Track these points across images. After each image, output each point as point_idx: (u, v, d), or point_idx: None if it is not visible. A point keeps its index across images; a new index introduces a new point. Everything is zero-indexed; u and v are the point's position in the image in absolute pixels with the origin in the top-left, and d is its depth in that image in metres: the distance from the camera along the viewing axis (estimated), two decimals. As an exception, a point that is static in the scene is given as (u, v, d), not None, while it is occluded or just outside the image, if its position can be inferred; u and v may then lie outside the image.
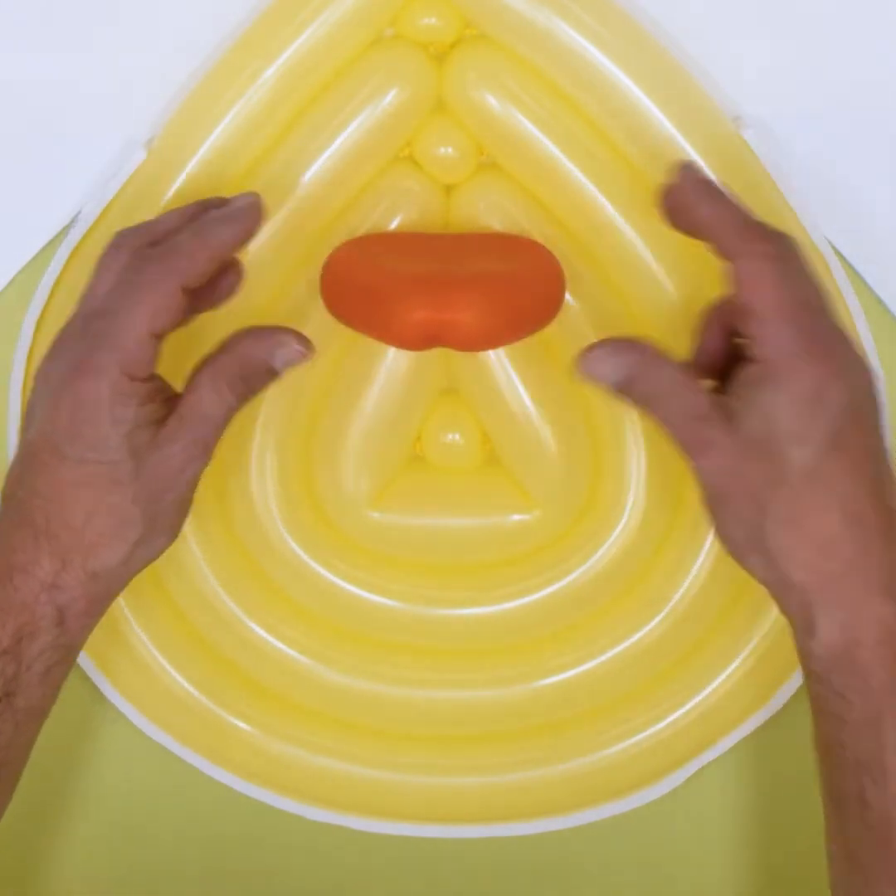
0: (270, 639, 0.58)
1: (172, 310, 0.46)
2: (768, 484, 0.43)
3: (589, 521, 0.57)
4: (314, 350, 0.49)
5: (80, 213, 0.56)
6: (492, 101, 0.53)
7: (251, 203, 0.49)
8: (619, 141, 0.54)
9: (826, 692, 0.44)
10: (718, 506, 0.44)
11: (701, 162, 0.53)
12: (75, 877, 0.62)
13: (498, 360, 0.56)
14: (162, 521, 0.48)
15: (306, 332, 0.55)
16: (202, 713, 0.58)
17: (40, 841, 0.61)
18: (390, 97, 0.54)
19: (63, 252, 0.55)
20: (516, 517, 0.57)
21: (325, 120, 0.54)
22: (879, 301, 0.57)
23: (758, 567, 0.45)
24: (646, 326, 0.56)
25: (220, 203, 0.50)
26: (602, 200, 0.54)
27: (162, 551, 0.49)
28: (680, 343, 0.55)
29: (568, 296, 0.54)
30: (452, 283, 0.49)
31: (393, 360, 0.56)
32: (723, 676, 0.57)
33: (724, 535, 0.45)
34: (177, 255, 0.46)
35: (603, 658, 0.58)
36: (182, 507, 0.48)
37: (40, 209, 0.57)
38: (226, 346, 0.48)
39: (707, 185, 0.46)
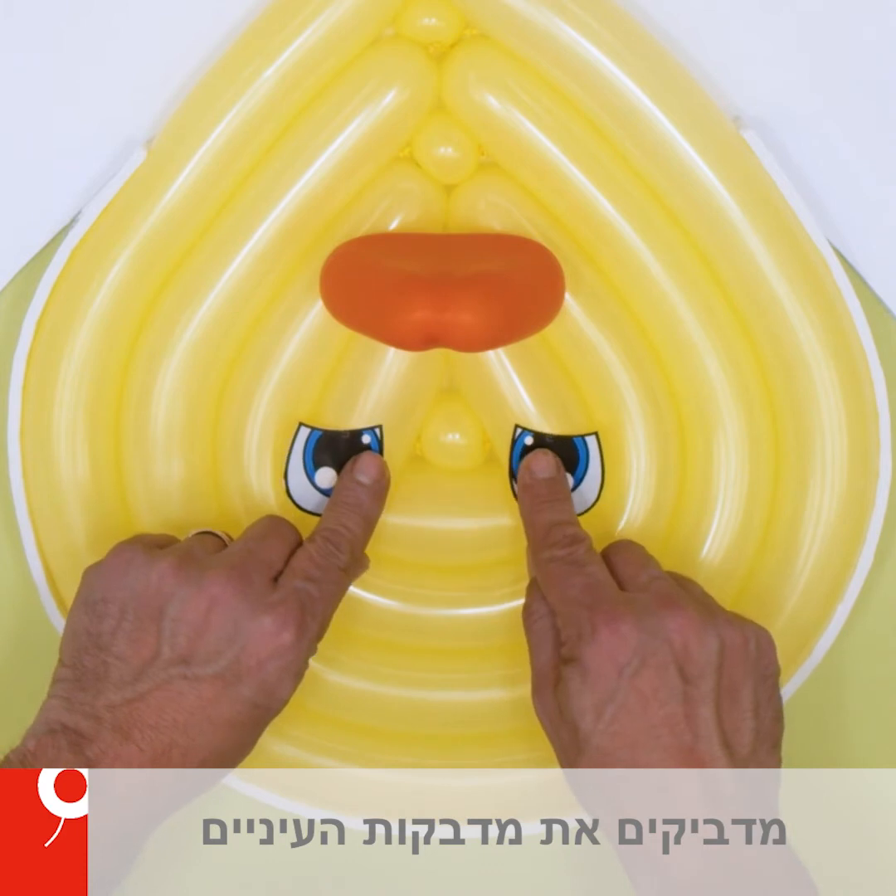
0: (270, 639, 0.58)
1: (341, 597, 0.53)
2: (571, 747, 0.49)
3: (588, 522, 0.57)
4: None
5: (80, 213, 0.56)
6: (492, 101, 0.53)
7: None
8: (619, 141, 0.54)
9: None
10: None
11: (701, 162, 0.53)
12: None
13: (498, 360, 0.56)
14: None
15: (306, 332, 0.56)
16: (202, 713, 0.58)
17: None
18: (390, 97, 0.53)
19: (63, 252, 0.55)
20: (516, 517, 0.57)
21: (325, 120, 0.54)
22: (879, 301, 0.57)
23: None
24: (645, 326, 0.56)
25: None
26: (602, 200, 0.54)
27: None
28: (680, 343, 0.55)
29: (568, 296, 0.54)
30: (452, 284, 0.49)
31: (393, 360, 0.56)
32: (723, 676, 0.57)
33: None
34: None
35: (603, 658, 0.58)
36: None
37: (40, 209, 0.57)
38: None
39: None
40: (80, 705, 0.47)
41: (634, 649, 0.47)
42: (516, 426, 0.56)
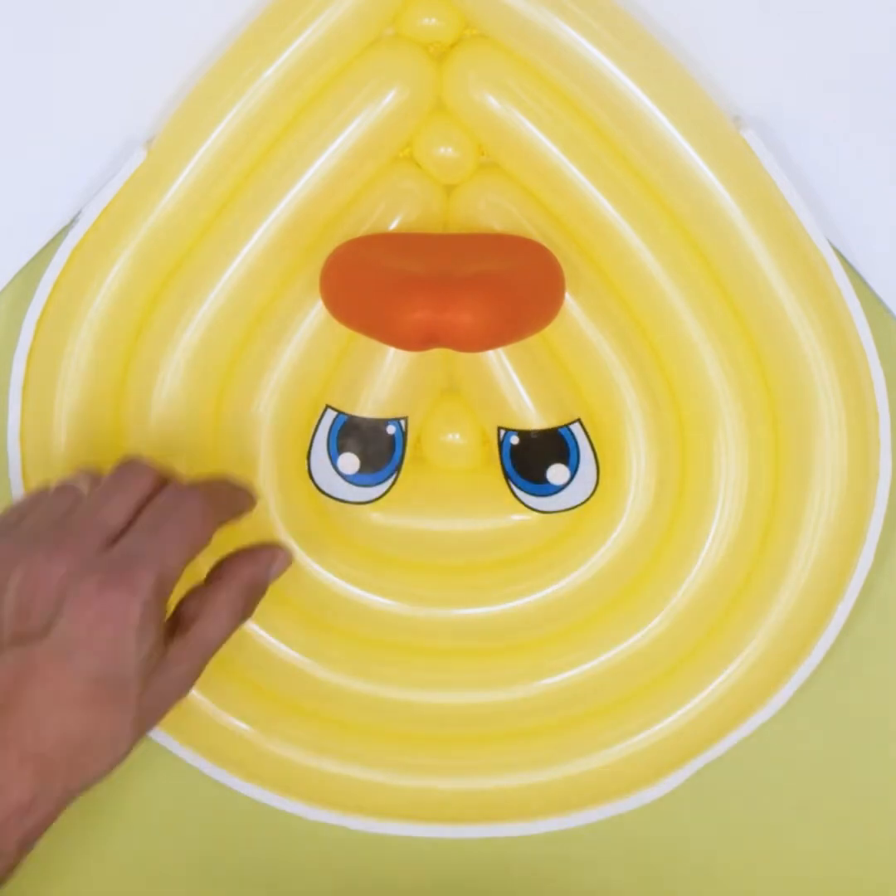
0: (270, 639, 0.58)
1: (207, 542, 0.48)
2: None
3: (589, 521, 0.57)
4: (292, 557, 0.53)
5: (80, 213, 0.56)
6: (492, 101, 0.53)
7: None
8: (619, 141, 0.54)
9: None
10: None
11: (700, 162, 0.53)
12: (74, 875, 0.62)
13: (498, 360, 0.56)
14: (144, 735, 0.48)
15: (305, 332, 0.56)
16: (202, 713, 0.58)
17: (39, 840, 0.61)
18: (390, 97, 0.53)
19: (63, 252, 0.55)
20: (516, 517, 0.57)
21: (326, 120, 0.54)
22: (879, 301, 0.57)
23: None
24: (645, 326, 0.56)
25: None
26: (602, 200, 0.54)
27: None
28: (680, 343, 0.55)
29: (568, 296, 0.54)
30: (452, 284, 0.49)
31: (393, 360, 0.56)
32: (723, 676, 0.57)
33: None
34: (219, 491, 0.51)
35: (603, 658, 0.58)
36: (154, 727, 0.49)
37: (40, 209, 0.57)
38: (223, 573, 0.50)
39: None
40: None
41: None
42: (499, 428, 0.56)
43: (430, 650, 0.59)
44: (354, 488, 0.56)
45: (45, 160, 0.56)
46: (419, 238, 0.54)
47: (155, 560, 0.46)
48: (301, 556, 0.57)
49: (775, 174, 0.54)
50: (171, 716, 0.57)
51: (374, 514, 0.57)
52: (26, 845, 0.46)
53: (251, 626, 0.57)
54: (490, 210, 0.55)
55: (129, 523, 0.48)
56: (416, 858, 0.61)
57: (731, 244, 0.54)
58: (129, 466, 0.50)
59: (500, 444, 0.57)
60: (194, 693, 0.57)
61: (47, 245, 0.57)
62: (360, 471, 0.56)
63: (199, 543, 0.48)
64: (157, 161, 0.54)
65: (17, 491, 0.57)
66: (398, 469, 0.56)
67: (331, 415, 0.56)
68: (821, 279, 0.54)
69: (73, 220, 0.56)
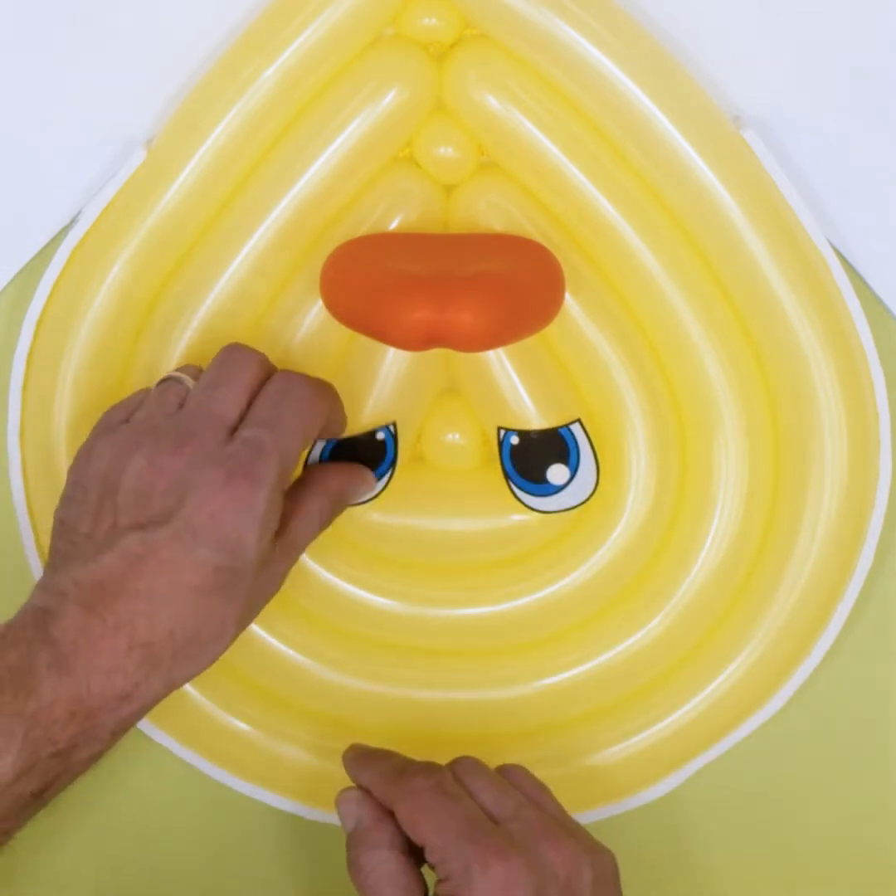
0: (270, 638, 0.58)
1: (317, 431, 0.49)
2: None
3: (589, 521, 0.57)
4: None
5: (80, 213, 0.56)
6: (492, 101, 0.53)
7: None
8: (619, 141, 0.54)
9: None
10: None
11: (700, 162, 0.53)
12: (75, 875, 0.62)
13: (498, 360, 0.56)
14: (240, 633, 0.48)
15: (306, 332, 0.56)
16: (202, 713, 0.58)
17: (39, 840, 0.61)
18: (390, 97, 0.53)
19: (63, 252, 0.55)
20: (516, 517, 0.57)
21: (326, 120, 0.54)
22: (879, 301, 0.57)
23: None
24: (645, 326, 0.56)
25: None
26: (602, 200, 0.54)
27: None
28: (680, 343, 0.55)
29: (568, 296, 0.54)
30: (452, 284, 0.49)
31: (393, 360, 0.56)
32: (723, 676, 0.57)
33: None
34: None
35: (603, 658, 0.58)
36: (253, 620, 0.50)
37: (40, 209, 0.57)
38: (312, 480, 0.51)
39: (355, 757, 0.53)
40: (50, 586, 0.46)
41: (527, 886, 0.46)
42: (499, 428, 0.56)
43: (430, 650, 0.59)
44: None
45: (45, 160, 0.56)
46: (419, 238, 0.54)
47: (276, 450, 0.46)
48: (301, 556, 0.57)
49: (775, 174, 0.54)
50: (172, 716, 0.58)
51: (373, 514, 0.57)
52: (118, 734, 0.46)
53: (251, 625, 0.57)
54: (490, 210, 0.55)
55: (243, 415, 0.48)
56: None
57: (731, 244, 0.54)
58: (233, 355, 0.50)
59: (500, 443, 0.57)
60: (194, 693, 0.58)
61: (47, 245, 0.57)
62: None
63: (313, 432, 0.48)
64: (157, 161, 0.54)
65: (18, 491, 0.57)
66: (392, 467, 0.56)
67: (319, 444, 0.56)
68: (821, 279, 0.54)
69: (73, 220, 0.56)
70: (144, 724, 0.58)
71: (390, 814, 0.49)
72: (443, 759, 0.59)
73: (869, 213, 0.56)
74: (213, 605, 0.45)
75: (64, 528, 0.48)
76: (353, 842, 0.50)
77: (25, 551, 0.57)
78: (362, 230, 0.55)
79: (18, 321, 0.56)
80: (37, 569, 0.57)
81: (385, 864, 0.48)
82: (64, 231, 0.57)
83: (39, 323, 0.56)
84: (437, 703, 0.58)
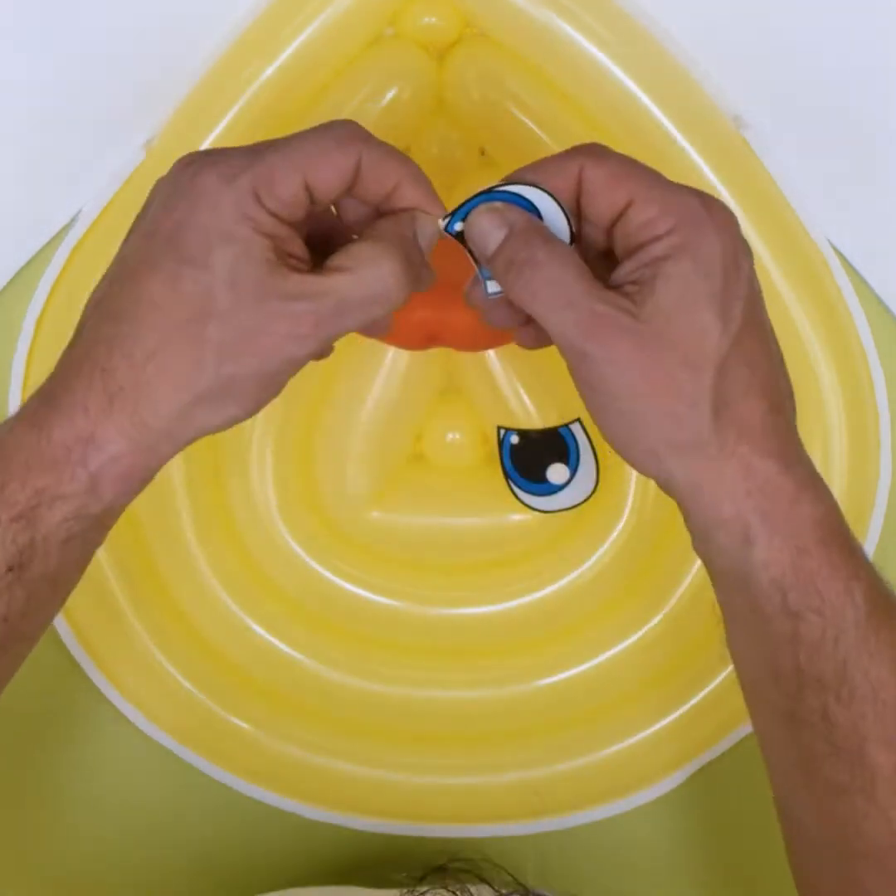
0: (270, 639, 0.58)
1: (336, 179, 0.39)
2: (694, 364, 0.38)
3: (589, 521, 0.57)
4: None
5: (80, 212, 0.56)
6: (492, 100, 0.53)
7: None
8: (619, 140, 0.54)
9: (774, 611, 0.39)
10: (623, 405, 0.39)
11: (701, 161, 0.53)
12: (75, 875, 0.62)
13: (498, 359, 0.56)
14: (238, 387, 0.39)
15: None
16: (202, 713, 0.58)
17: (40, 840, 0.61)
18: (390, 96, 0.54)
19: (63, 252, 0.55)
20: (516, 517, 0.57)
21: (326, 119, 0.54)
22: (879, 301, 0.57)
23: (676, 470, 0.39)
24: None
25: None
26: (602, 200, 0.54)
27: (227, 424, 0.40)
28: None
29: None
30: (452, 284, 0.49)
31: (393, 360, 0.56)
32: (722, 676, 0.57)
33: (626, 438, 0.40)
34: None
35: (603, 658, 0.58)
36: (266, 385, 0.40)
37: (40, 209, 0.57)
38: (364, 232, 0.40)
39: (522, 173, 0.42)
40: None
41: (739, 237, 0.39)
42: (499, 427, 0.56)
43: (430, 650, 0.59)
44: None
45: (46, 160, 0.56)
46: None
47: (263, 155, 0.39)
48: (301, 555, 0.57)
49: (775, 174, 0.54)
50: (172, 716, 0.58)
51: (374, 514, 0.57)
52: (96, 490, 0.39)
53: (251, 625, 0.57)
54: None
55: None
56: (416, 858, 0.61)
57: (731, 244, 0.54)
58: (348, 125, 0.41)
59: (500, 443, 0.56)
60: (194, 693, 0.57)
61: (47, 245, 0.57)
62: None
63: (329, 164, 0.39)
64: (157, 161, 0.54)
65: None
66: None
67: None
68: (821, 279, 0.54)
69: (73, 220, 0.56)
70: (144, 724, 0.58)
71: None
72: (443, 759, 0.59)
73: (869, 213, 0.56)
74: (175, 322, 0.38)
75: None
76: (516, 244, 0.40)
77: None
78: (362, 230, 0.55)
79: (18, 321, 0.56)
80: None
81: (567, 252, 0.39)
82: (64, 231, 0.56)
83: (39, 323, 0.56)
84: (437, 702, 0.58)
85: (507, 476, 0.57)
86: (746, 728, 0.58)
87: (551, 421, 0.56)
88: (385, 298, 0.39)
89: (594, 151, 0.41)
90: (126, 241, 0.40)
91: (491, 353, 0.55)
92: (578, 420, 0.56)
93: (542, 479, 0.56)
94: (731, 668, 0.57)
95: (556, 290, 0.38)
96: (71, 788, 0.61)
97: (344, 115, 0.53)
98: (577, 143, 0.53)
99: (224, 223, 0.37)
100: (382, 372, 0.56)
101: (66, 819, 0.61)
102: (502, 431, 0.56)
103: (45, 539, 0.39)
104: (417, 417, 0.58)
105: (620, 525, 0.57)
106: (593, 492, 0.56)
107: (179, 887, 0.62)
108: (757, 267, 0.54)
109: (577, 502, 0.57)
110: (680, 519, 0.57)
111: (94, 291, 0.40)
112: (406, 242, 0.40)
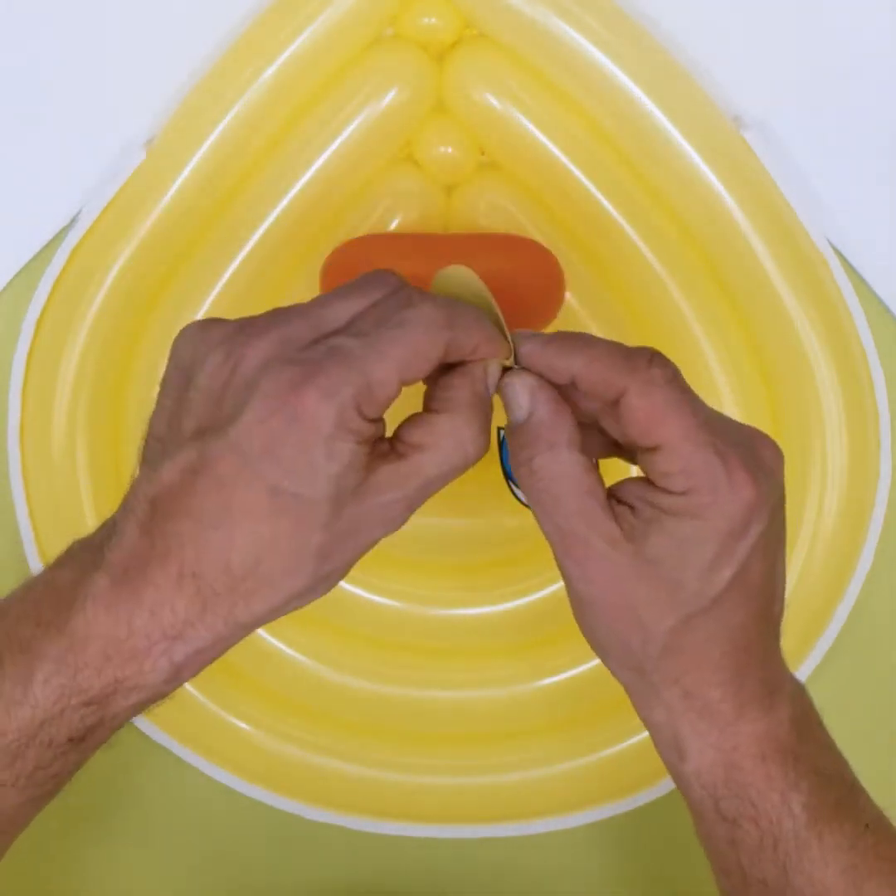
0: (271, 639, 0.58)
1: (428, 369, 0.39)
2: (658, 609, 0.39)
3: (589, 521, 0.57)
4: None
5: (80, 212, 0.56)
6: (492, 101, 0.53)
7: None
8: (619, 141, 0.54)
9: (710, 816, 0.41)
10: (591, 613, 0.41)
11: (701, 162, 0.53)
12: (75, 875, 0.62)
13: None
14: (332, 578, 0.39)
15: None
16: (203, 713, 0.58)
17: (40, 840, 0.61)
18: (390, 97, 0.53)
19: (63, 252, 0.55)
20: (516, 517, 0.57)
21: (326, 120, 0.54)
22: (879, 301, 0.57)
23: (623, 677, 0.42)
24: (646, 326, 0.56)
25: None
26: (602, 200, 0.54)
27: (310, 602, 0.40)
28: (680, 342, 0.55)
29: (568, 296, 0.54)
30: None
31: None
32: (723, 676, 0.57)
33: (593, 641, 0.42)
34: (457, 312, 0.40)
35: (603, 658, 0.58)
36: (351, 565, 0.40)
37: (40, 209, 0.57)
38: (436, 397, 0.41)
39: (561, 338, 0.41)
40: (126, 498, 0.40)
41: (766, 512, 0.39)
42: (499, 428, 0.56)
43: (430, 650, 0.59)
44: None
45: (45, 160, 0.56)
46: (419, 238, 0.54)
47: (361, 362, 0.37)
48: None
49: (775, 174, 0.54)
50: (172, 716, 0.58)
51: (374, 514, 0.57)
52: (177, 679, 0.39)
53: (251, 625, 0.57)
54: (490, 210, 0.55)
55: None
56: (416, 858, 0.61)
57: (731, 244, 0.54)
58: (374, 273, 0.41)
59: (500, 443, 0.56)
60: (194, 693, 0.58)
61: (47, 245, 0.57)
62: None
63: (423, 358, 0.38)
64: (157, 161, 0.54)
65: (18, 491, 0.56)
66: None
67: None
68: (821, 279, 0.54)
69: (73, 220, 0.56)
70: (144, 724, 0.58)
71: (567, 407, 0.41)
72: (443, 759, 0.59)
73: (869, 213, 0.56)
74: (275, 535, 0.37)
75: (148, 429, 0.41)
76: (525, 438, 0.41)
77: (26, 551, 0.57)
78: (362, 230, 0.55)
79: (18, 321, 0.56)
80: (37, 568, 0.57)
81: (565, 464, 0.40)
82: (64, 231, 0.56)
83: (39, 323, 0.56)
84: (437, 702, 0.58)
85: (506, 476, 0.57)
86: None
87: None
88: (466, 464, 0.41)
89: (647, 379, 0.39)
90: (180, 419, 0.39)
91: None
92: None
93: None
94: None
95: (563, 494, 0.41)
96: (70, 788, 0.60)
97: (344, 114, 0.53)
98: (576, 142, 0.54)
99: (327, 441, 0.37)
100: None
101: (64, 819, 0.61)
102: (502, 432, 0.56)
103: (113, 717, 0.39)
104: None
105: (620, 525, 0.57)
106: None
107: (179, 887, 0.62)
108: (756, 266, 0.54)
109: None
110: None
111: (155, 472, 0.38)
112: (482, 402, 0.41)
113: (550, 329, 0.53)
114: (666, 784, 0.59)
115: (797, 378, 0.55)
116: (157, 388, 0.56)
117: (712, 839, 0.42)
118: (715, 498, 0.38)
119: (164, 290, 0.55)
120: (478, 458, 0.41)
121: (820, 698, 0.59)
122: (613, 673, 0.43)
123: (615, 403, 0.40)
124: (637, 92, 0.53)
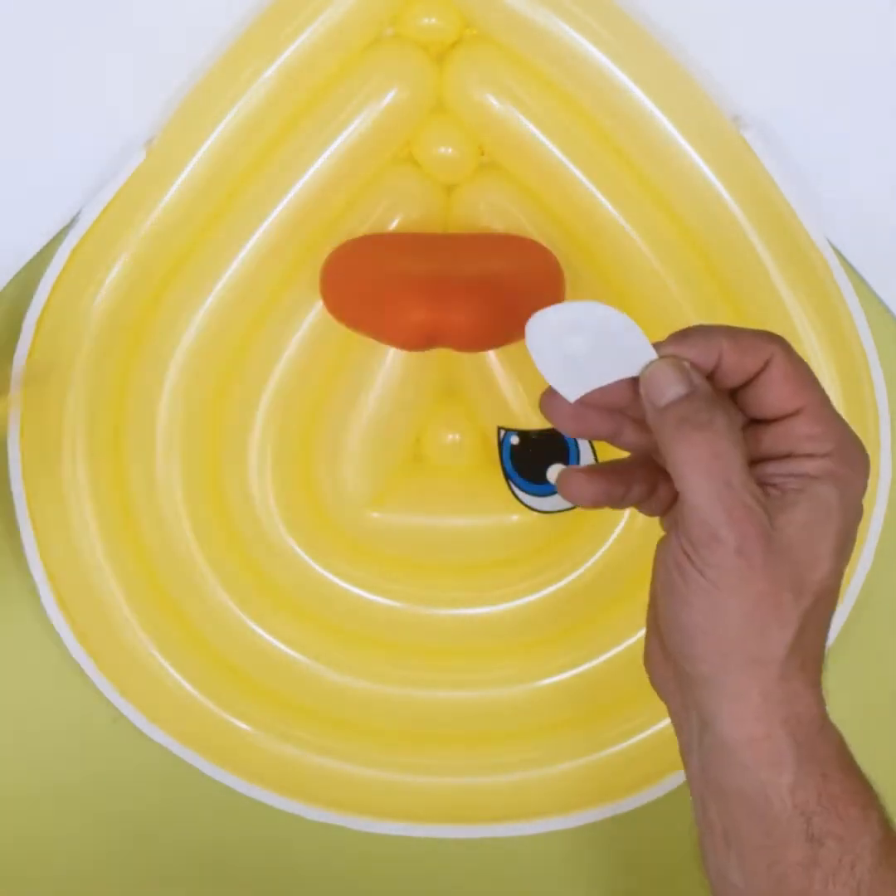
0: (271, 639, 0.58)
1: None
2: (792, 593, 0.38)
3: (589, 521, 0.57)
4: None
5: (79, 213, 0.56)
6: (492, 101, 0.53)
7: None
8: (619, 141, 0.54)
9: (794, 837, 0.39)
10: (719, 597, 0.38)
11: (701, 162, 0.53)
12: (75, 875, 0.62)
13: (498, 360, 0.56)
14: None
15: (306, 332, 0.56)
16: (202, 713, 0.58)
17: (41, 840, 0.61)
18: (390, 97, 0.53)
19: (63, 252, 0.55)
20: (516, 517, 0.57)
21: (326, 120, 0.54)
22: (880, 301, 0.57)
23: (729, 678, 0.39)
24: (646, 326, 0.56)
25: None
26: (602, 200, 0.54)
27: None
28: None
29: (568, 296, 0.54)
30: (451, 284, 0.49)
31: (393, 360, 0.56)
32: (723, 676, 0.57)
33: (701, 625, 0.39)
34: None
35: (603, 658, 0.58)
36: None
37: (40, 209, 0.57)
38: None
39: (694, 328, 0.41)
40: None
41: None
42: (500, 428, 0.56)
43: (430, 650, 0.59)
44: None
45: (45, 160, 0.56)
46: (419, 238, 0.54)
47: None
48: (301, 556, 0.57)
49: (775, 174, 0.54)
50: (172, 716, 0.58)
51: (374, 514, 0.57)
52: None
53: (251, 625, 0.57)
54: (490, 210, 0.55)
55: None
56: (416, 858, 0.61)
57: (731, 243, 0.54)
58: None
59: (501, 444, 0.57)
60: (194, 693, 0.58)
61: (47, 245, 0.57)
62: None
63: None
64: (157, 161, 0.54)
65: (18, 491, 0.57)
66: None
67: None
68: (821, 279, 0.54)
69: (73, 220, 0.56)
70: (144, 724, 0.58)
71: None
72: (443, 758, 0.59)
73: (869, 213, 0.56)
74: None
75: None
76: (699, 403, 0.39)
77: (26, 552, 0.57)
78: (362, 230, 0.55)
79: (18, 321, 0.56)
80: (37, 568, 0.57)
81: (737, 432, 0.39)
82: (64, 231, 0.56)
83: (39, 323, 0.56)
84: (437, 703, 0.58)
85: (507, 476, 0.57)
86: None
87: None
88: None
89: (786, 345, 0.41)
90: None
91: (491, 353, 0.55)
92: None
93: (542, 479, 0.56)
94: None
95: (721, 464, 0.38)
96: (70, 789, 0.61)
97: (344, 114, 0.53)
98: (576, 142, 0.54)
99: None
100: (382, 373, 0.56)
101: (65, 819, 0.61)
102: (502, 432, 0.56)
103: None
104: (417, 418, 0.58)
105: (621, 525, 0.57)
106: None
107: (179, 888, 0.62)
108: (756, 266, 0.54)
109: None
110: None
111: None
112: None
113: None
114: (665, 784, 0.59)
115: (797, 378, 0.55)
116: (156, 388, 0.56)
117: (782, 864, 0.39)
118: (855, 465, 0.39)
119: (165, 289, 0.55)
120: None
121: (820, 698, 0.60)
122: (710, 678, 0.39)
123: (754, 377, 0.40)
124: (637, 92, 0.53)
